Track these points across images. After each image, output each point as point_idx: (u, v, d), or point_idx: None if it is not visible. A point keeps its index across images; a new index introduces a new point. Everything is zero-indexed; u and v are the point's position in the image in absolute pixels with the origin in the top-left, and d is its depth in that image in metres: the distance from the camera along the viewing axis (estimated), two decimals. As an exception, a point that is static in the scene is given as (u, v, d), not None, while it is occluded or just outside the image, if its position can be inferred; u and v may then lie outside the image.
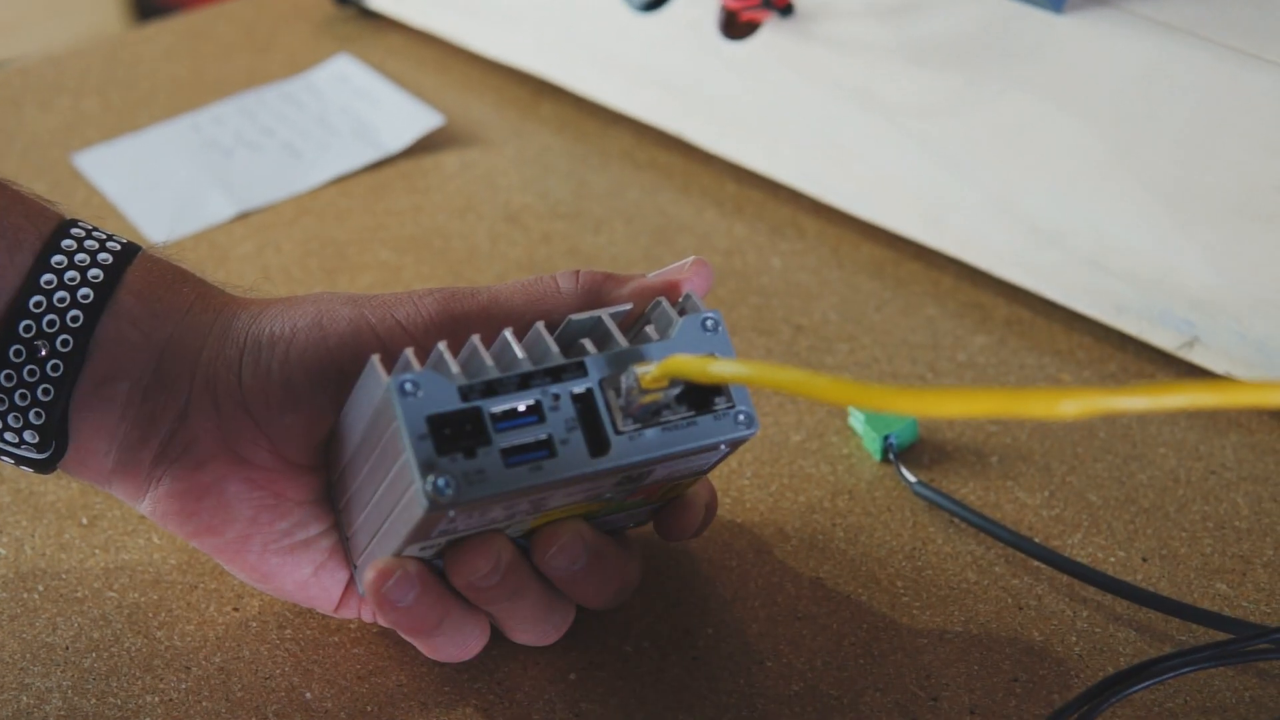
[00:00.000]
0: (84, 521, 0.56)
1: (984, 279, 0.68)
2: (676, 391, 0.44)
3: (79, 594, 0.54)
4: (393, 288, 0.68)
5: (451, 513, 0.43)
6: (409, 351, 0.43)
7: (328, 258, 0.71)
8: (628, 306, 0.47)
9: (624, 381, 0.44)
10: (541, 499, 0.44)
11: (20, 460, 0.49)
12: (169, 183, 0.76)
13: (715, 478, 0.57)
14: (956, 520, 0.56)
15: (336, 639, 0.52)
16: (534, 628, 0.49)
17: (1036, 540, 0.54)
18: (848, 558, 0.54)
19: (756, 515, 0.56)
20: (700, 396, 0.45)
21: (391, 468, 0.44)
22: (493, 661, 0.50)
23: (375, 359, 0.44)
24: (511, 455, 0.43)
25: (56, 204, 0.50)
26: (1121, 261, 0.63)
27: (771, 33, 0.72)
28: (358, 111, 0.81)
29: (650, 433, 0.44)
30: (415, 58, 0.86)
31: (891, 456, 0.58)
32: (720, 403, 0.45)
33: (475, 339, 0.44)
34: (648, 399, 0.44)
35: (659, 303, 0.47)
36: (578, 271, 0.49)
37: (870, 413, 0.58)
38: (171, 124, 0.81)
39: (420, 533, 0.44)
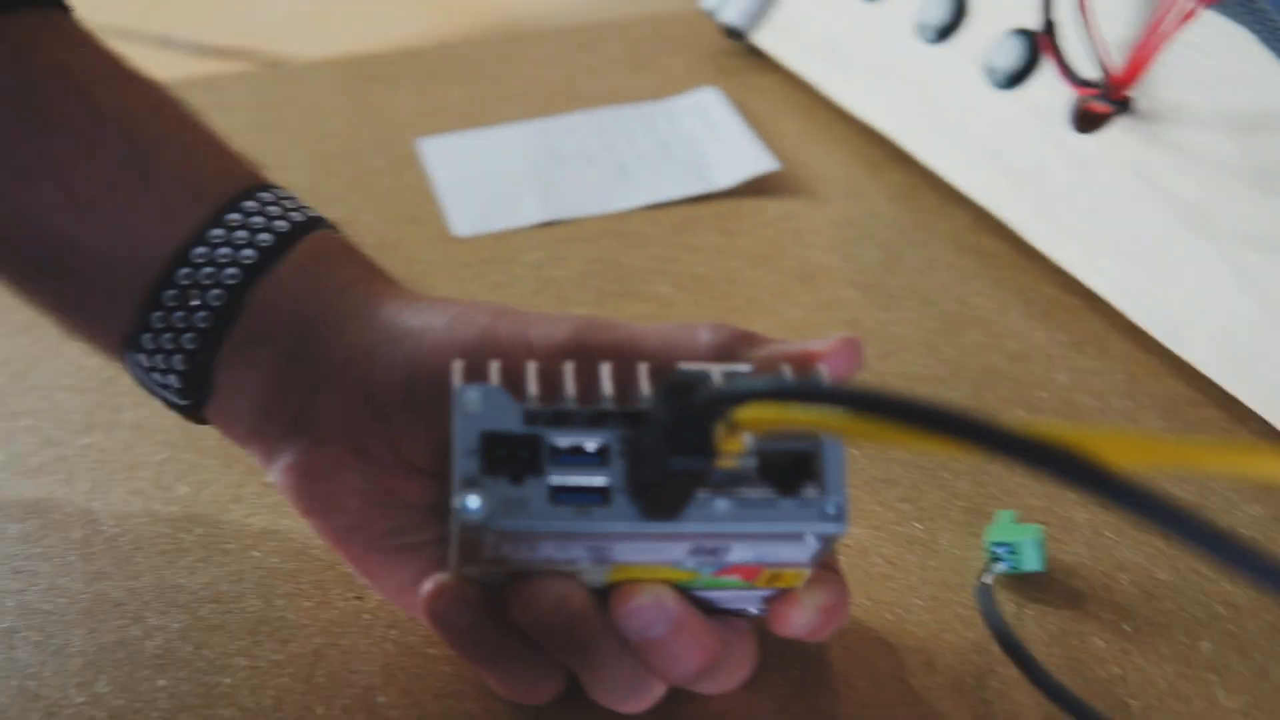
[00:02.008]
0: (267, 481, 0.57)
1: (1287, 444, 0.59)
2: (755, 463, 0.40)
3: (228, 546, 0.55)
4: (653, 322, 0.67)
5: (489, 536, 0.40)
6: (494, 364, 0.41)
7: (608, 281, 0.70)
8: (746, 368, 0.43)
9: None
10: (600, 548, 0.41)
11: (169, 404, 0.50)
12: (492, 180, 0.77)
13: (879, 588, 0.52)
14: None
15: (433, 651, 0.50)
16: (609, 690, 0.46)
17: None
18: (998, 709, 0.48)
19: (912, 640, 0.51)
20: (788, 477, 0.41)
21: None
22: (570, 712, 0.48)
23: (457, 365, 0.42)
24: (560, 494, 0.40)
25: (264, 167, 0.51)
26: None
27: (1120, 131, 0.66)
28: (701, 143, 0.80)
29: (720, 503, 0.40)
30: (784, 101, 0.84)
31: (990, 570, 0.52)
32: (810, 489, 0.41)
33: (568, 366, 0.42)
34: (724, 463, 0.40)
35: (782, 371, 0.43)
36: (722, 325, 0.45)
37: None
38: (522, 125, 0.82)
39: (466, 552, 0.42)
